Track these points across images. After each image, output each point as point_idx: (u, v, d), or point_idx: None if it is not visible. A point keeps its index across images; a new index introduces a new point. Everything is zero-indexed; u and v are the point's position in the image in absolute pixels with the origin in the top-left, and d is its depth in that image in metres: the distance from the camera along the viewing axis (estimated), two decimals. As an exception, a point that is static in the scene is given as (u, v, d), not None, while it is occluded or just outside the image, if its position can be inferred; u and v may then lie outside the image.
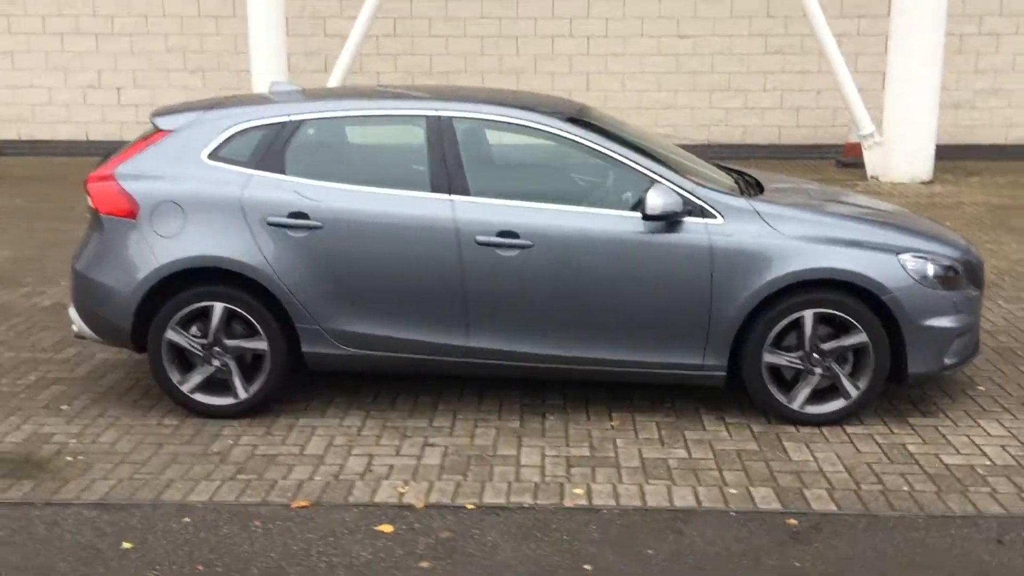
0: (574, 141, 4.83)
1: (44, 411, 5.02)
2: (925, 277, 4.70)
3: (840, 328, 4.70)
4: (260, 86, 11.47)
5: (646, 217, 4.60)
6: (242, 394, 4.87)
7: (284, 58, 12.22)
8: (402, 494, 4.14)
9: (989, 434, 4.69)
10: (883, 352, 4.69)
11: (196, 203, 4.79)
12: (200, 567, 3.59)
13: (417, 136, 4.88)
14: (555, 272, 4.69)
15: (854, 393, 4.73)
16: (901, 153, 11.71)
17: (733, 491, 4.14)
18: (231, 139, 4.89)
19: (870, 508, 3.99)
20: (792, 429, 4.74)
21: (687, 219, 4.66)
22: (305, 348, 4.83)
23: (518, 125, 4.89)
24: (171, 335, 4.82)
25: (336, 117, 4.97)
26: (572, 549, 3.69)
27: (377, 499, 4.09)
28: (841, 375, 4.73)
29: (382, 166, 5.15)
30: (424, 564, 3.59)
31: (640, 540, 3.75)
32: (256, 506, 4.04)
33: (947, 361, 4.80)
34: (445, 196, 4.75)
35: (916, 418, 4.87)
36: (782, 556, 3.63)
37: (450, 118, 4.85)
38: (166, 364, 4.86)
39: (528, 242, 4.67)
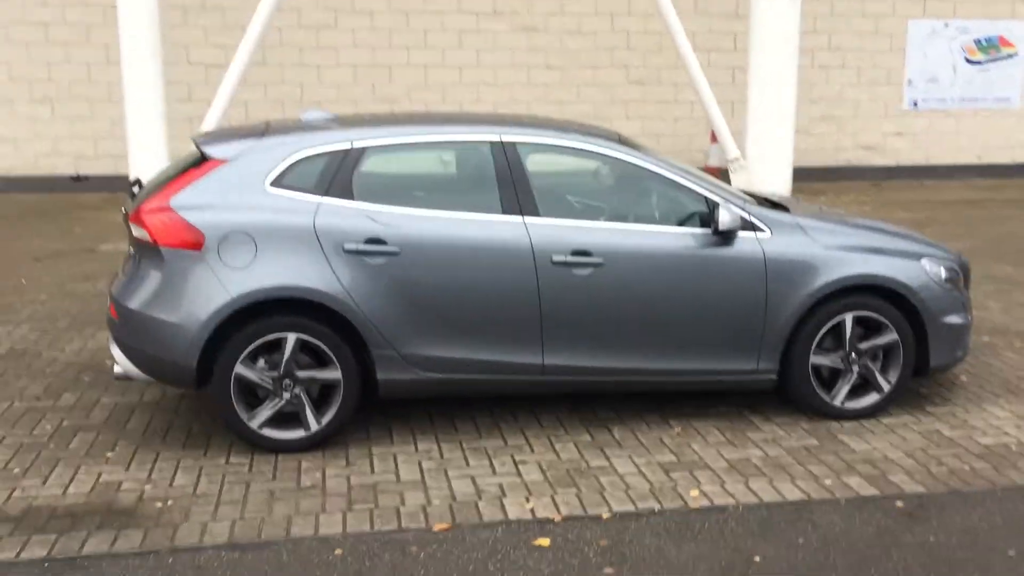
0: (631, 164, 5.08)
1: (90, 460, 4.70)
2: (940, 279, 5.26)
3: (871, 328, 5.18)
4: (135, 120, 10.88)
5: (717, 233, 4.91)
6: (314, 426, 4.76)
7: (160, 89, 11.67)
8: (532, 509, 4.21)
9: (999, 416, 5.30)
10: (910, 348, 5.20)
11: (267, 232, 4.66)
12: (394, 595, 3.54)
13: (483, 161, 4.97)
14: (624, 288, 4.90)
15: (886, 387, 5.22)
16: (764, 175, 12.66)
17: (828, 482, 4.49)
18: (293, 167, 4.80)
19: (952, 486, 4.44)
20: (836, 424, 5.16)
21: (742, 233, 5.01)
22: (381, 375, 4.79)
23: (580, 149, 5.09)
24: (241, 370, 4.65)
25: (400, 144, 4.98)
26: (731, 545, 3.90)
27: (512, 516, 4.14)
28: (875, 371, 5.21)
29: (450, 191, 5.19)
30: (608, 571, 3.70)
31: (784, 531, 4.01)
32: (396, 532, 4.00)
33: (958, 354, 5.39)
34: (518, 218, 4.86)
35: (933, 407, 5.42)
36: (913, 534, 3.99)
37: (514, 143, 4.98)
38: (235, 401, 4.68)
39: (600, 260, 4.86)
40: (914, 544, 3.91)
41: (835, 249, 5.12)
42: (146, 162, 10.61)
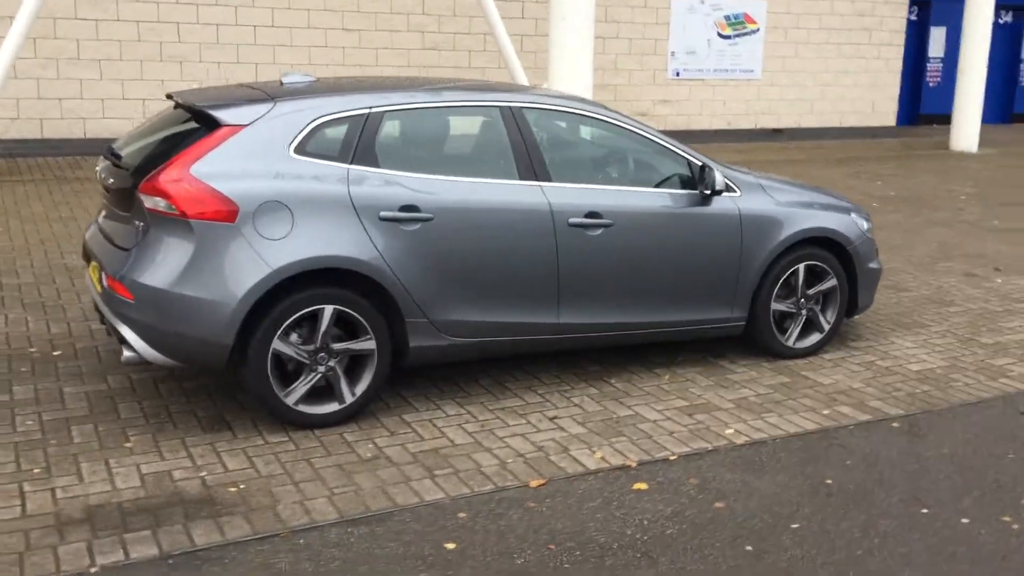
0: (627, 129, 5.36)
1: (112, 452, 4.32)
2: (864, 230, 6.02)
3: (815, 275, 5.82)
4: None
5: (713, 193, 5.31)
6: (348, 398, 4.67)
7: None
8: (603, 458, 4.44)
9: (908, 347, 6.16)
10: (845, 292, 5.92)
11: (303, 201, 4.48)
12: (552, 546, 3.65)
13: (496, 127, 5.04)
14: (630, 247, 5.20)
15: (827, 327, 5.91)
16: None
17: (826, 412, 5.07)
18: (314, 132, 4.62)
19: (919, 407, 5.17)
20: (791, 363, 5.78)
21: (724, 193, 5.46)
22: (413, 343, 4.77)
23: (581, 115, 5.29)
24: (278, 345, 4.47)
25: (415, 108, 4.92)
26: (798, 472, 4.35)
27: (591, 466, 4.35)
28: (819, 313, 5.88)
29: (468, 156, 5.19)
30: (719, 504, 4.03)
31: (829, 456, 4.52)
32: (498, 492, 4.08)
33: (874, 295, 6.20)
34: (535, 183, 5.00)
35: (854, 343, 6.19)
36: (927, 449, 4.65)
37: (520, 108, 5.10)
38: (271, 378, 4.49)
39: (610, 221, 5.12)
40: (935, 457, 4.57)
41: (788, 206, 5.71)
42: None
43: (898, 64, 18.71)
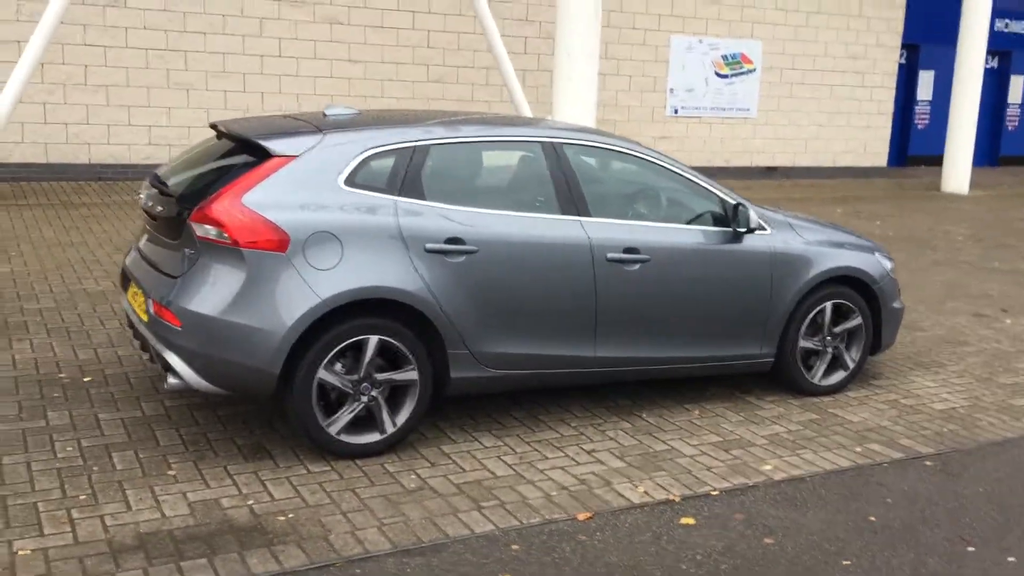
0: (661, 166, 5.44)
1: (157, 480, 4.31)
2: (888, 270, 6.11)
3: (840, 314, 5.90)
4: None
5: (748, 231, 5.40)
6: (389, 428, 4.69)
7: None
8: (645, 492, 4.47)
9: (930, 386, 6.24)
10: (870, 331, 6.00)
11: (352, 232, 4.52)
12: (610, 581, 3.68)
13: (537, 161, 5.11)
14: (666, 282, 5.26)
15: (851, 365, 5.98)
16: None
17: (858, 449, 5.12)
18: (363, 164, 4.67)
19: (948, 446, 5.23)
20: (817, 400, 5.84)
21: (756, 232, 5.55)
22: (454, 374, 4.80)
23: (618, 151, 5.37)
24: (323, 375, 4.49)
25: (459, 142, 4.98)
26: (840, 508, 4.40)
27: (635, 500, 4.37)
28: (844, 351, 5.95)
29: (510, 190, 5.24)
30: (768, 540, 4.06)
31: (868, 494, 4.57)
32: (547, 524, 4.10)
33: (896, 334, 6.28)
34: (575, 218, 5.06)
35: (876, 382, 6.26)
36: (964, 487, 4.70)
37: (561, 144, 5.17)
38: (315, 407, 4.50)
39: (647, 256, 5.18)
40: (972, 495, 4.62)
41: (816, 244, 5.79)
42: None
43: (890, 106, 19.03)
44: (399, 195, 4.69)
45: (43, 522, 3.88)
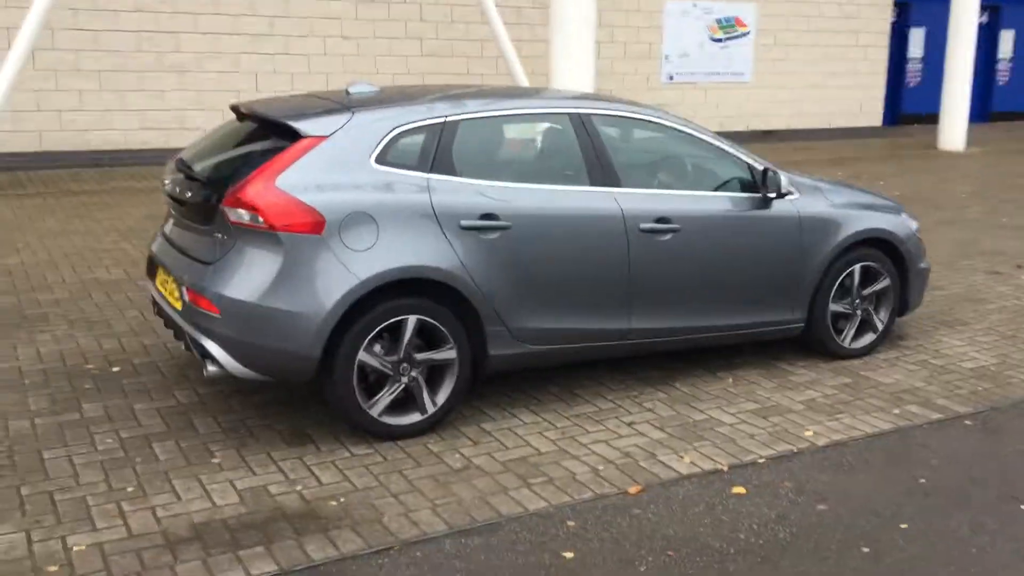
0: (688, 133, 5.38)
1: (202, 469, 4.27)
2: (914, 230, 6.09)
3: (868, 276, 5.87)
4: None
5: (778, 196, 5.35)
6: (430, 408, 4.65)
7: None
8: (692, 462, 4.45)
9: (958, 345, 6.23)
10: (897, 292, 5.98)
11: (387, 212, 4.45)
12: (671, 552, 3.65)
13: (565, 133, 5.04)
14: (697, 251, 5.22)
15: (880, 327, 5.97)
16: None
17: (896, 411, 5.11)
18: (393, 142, 4.60)
19: (983, 404, 5.23)
20: (848, 363, 5.82)
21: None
22: (493, 351, 4.76)
23: (645, 120, 5.31)
24: (364, 356, 4.44)
25: (487, 116, 4.90)
26: (887, 473, 4.39)
27: (683, 471, 4.36)
28: (872, 313, 5.93)
29: (540, 163, 5.18)
30: (821, 506, 4.05)
31: (913, 456, 4.57)
32: (599, 499, 4.08)
33: (924, 295, 6.26)
34: (606, 189, 5.01)
35: (903, 343, 6.25)
36: (1005, 445, 4.71)
37: (589, 114, 5.10)
38: (357, 390, 4.45)
39: (678, 226, 5.14)
40: (1016, 454, 4.63)
41: (844, 207, 5.76)
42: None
43: (883, 65, 18.96)
44: (431, 172, 4.63)
45: (94, 516, 3.84)
